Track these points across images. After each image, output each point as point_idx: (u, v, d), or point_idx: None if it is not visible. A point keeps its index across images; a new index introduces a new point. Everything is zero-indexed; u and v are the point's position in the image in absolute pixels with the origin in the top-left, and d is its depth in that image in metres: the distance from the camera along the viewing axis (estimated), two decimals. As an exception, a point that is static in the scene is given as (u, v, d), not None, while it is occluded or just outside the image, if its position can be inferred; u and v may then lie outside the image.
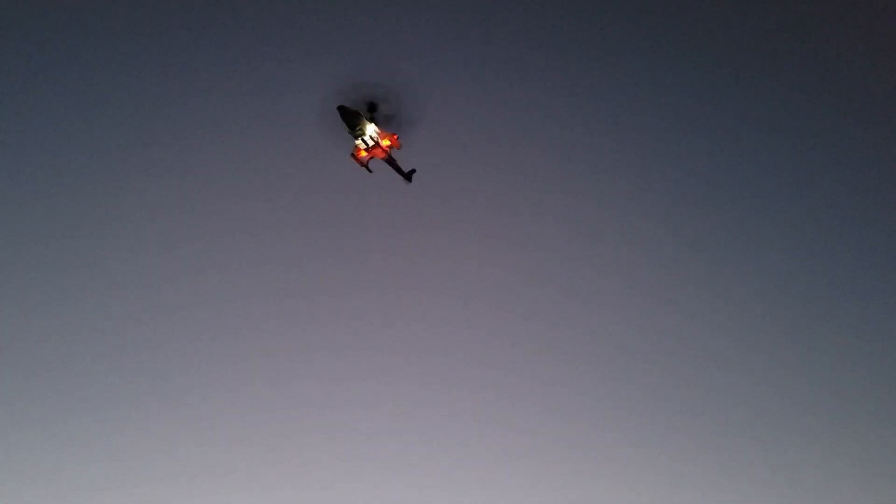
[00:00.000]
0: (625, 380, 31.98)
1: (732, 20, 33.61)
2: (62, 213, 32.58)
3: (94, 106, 32.82)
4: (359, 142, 25.72)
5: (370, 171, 26.58)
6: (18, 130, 32.40)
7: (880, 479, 29.78)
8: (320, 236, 33.18)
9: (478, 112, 32.70)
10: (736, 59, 33.86)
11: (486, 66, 32.68)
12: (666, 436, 31.13)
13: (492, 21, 33.54)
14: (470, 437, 31.65)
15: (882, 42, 33.57)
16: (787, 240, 33.79)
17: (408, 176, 27.55)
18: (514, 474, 31.30)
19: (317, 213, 32.79)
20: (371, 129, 25.74)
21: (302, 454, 31.72)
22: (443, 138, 30.14)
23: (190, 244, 32.84)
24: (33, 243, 32.42)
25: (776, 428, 30.96)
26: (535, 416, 32.28)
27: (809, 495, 30.19)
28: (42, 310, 32.45)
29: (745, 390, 32.05)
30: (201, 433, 31.54)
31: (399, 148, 26.31)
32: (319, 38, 32.22)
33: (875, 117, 33.53)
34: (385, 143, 25.85)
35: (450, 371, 32.40)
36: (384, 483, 31.23)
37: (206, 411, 31.79)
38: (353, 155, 26.25)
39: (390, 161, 26.82)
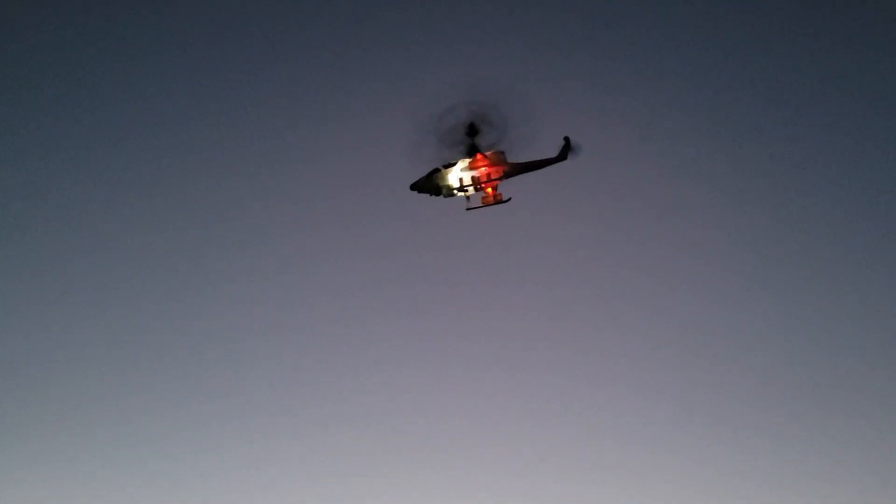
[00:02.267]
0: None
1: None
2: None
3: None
4: (464, 188, 24.52)
5: (509, 200, 24.94)
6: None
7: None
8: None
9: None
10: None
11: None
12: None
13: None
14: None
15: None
16: (788, 240, 34.56)
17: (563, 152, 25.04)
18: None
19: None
20: (459, 171, 24.39)
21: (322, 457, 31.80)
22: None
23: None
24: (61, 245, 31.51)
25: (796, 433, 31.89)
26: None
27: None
28: (47, 310, 31.87)
29: (764, 396, 33.04)
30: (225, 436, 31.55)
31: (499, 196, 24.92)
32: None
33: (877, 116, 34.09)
34: (479, 170, 24.49)
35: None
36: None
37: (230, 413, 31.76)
38: (482, 201, 24.83)
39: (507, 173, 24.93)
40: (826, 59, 35.56)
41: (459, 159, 24.35)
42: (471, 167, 24.59)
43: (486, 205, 25.16)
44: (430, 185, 24.46)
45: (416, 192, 24.73)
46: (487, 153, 24.62)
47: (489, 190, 25.11)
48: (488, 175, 24.61)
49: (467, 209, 25.34)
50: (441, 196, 24.91)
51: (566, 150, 24.84)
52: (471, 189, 24.87)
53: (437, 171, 24.49)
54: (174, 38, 34.33)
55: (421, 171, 24.35)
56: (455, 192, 24.98)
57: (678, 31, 35.36)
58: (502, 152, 24.46)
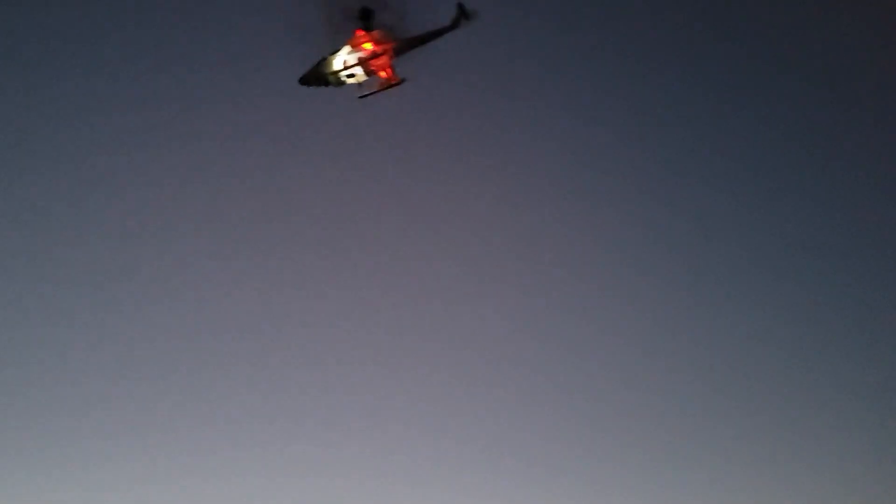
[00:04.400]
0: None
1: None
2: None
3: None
4: (353, 74, 23.05)
5: (402, 80, 23.39)
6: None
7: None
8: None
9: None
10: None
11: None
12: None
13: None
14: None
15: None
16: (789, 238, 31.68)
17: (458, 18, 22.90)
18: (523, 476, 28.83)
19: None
20: (344, 54, 23.00)
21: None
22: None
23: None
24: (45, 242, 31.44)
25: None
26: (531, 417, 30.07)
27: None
28: (43, 310, 31.30)
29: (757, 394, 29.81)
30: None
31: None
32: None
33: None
34: (368, 46, 22.71)
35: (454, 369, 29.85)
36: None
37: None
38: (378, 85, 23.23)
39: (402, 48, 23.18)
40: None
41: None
42: (353, 47, 23.05)
43: (382, 88, 23.41)
44: (318, 74, 23.02)
45: (306, 86, 23.41)
46: (370, 31, 23.02)
47: (382, 73, 23.38)
48: (374, 53, 22.95)
49: (359, 97, 23.61)
50: (333, 86, 23.43)
51: (459, 18, 23.00)
52: (360, 73, 23.19)
53: (323, 59, 23.16)
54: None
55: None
56: (344, 78, 23.41)
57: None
58: (388, 27, 22.86)
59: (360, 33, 22.60)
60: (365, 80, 23.24)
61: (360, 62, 22.87)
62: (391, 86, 23.09)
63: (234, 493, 28.72)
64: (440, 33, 22.80)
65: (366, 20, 22.57)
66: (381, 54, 22.80)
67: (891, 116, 32.38)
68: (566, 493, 28.28)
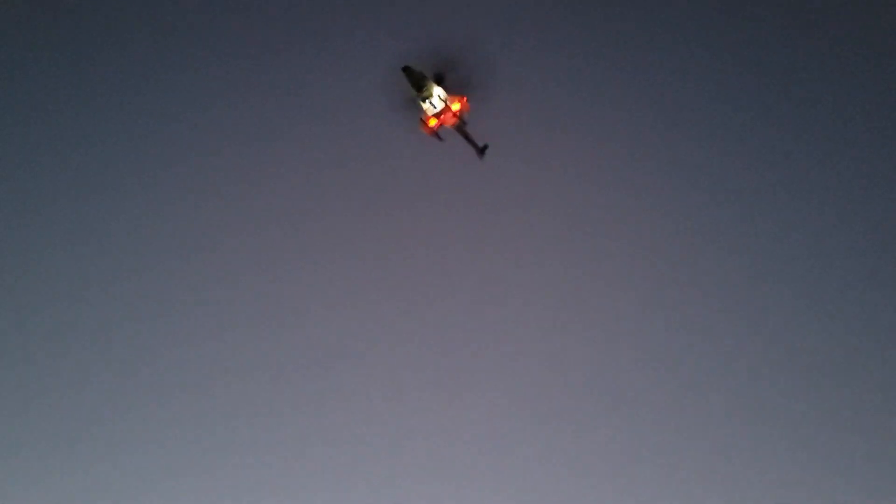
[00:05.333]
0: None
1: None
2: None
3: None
4: (426, 106, 24.01)
5: (441, 140, 24.87)
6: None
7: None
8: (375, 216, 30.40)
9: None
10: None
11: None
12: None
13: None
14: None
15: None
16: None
17: (481, 150, 25.59)
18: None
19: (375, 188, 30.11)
20: (438, 91, 23.86)
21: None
22: (519, 109, 27.32)
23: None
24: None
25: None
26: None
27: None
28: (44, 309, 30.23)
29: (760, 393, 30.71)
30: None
31: (469, 111, 24.52)
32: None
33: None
34: (455, 106, 24.17)
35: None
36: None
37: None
38: (421, 121, 24.42)
39: (461, 129, 25.03)
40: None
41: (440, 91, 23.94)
42: (448, 99, 23.86)
43: (429, 132, 24.67)
44: (418, 81, 23.66)
45: (404, 74, 23.95)
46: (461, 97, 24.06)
47: (432, 120, 24.43)
48: (460, 110, 23.97)
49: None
50: (413, 97, 24.11)
51: (484, 149, 25.34)
52: (431, 108, 23.93)
53: (426, 77, 23.70)
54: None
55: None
56: (427, 101, 23.97)
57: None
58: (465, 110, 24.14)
59: (454, 99, 23.85)
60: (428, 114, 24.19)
61: (444, 104, 23.54)
62: (474, 145, 24.76)
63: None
64: (473, 144, 24.93)
65: (439, 82, 23.66)
66: (453, 113, 23.66)
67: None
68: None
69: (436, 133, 24.44)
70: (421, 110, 24.23)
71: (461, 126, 24.67)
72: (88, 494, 28.43)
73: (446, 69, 24.60)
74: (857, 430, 29.77)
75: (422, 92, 23.77)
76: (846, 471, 28.97)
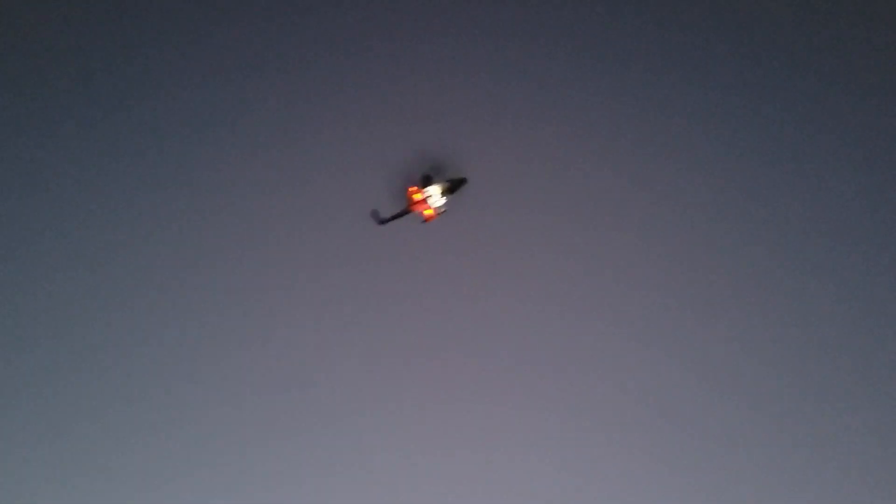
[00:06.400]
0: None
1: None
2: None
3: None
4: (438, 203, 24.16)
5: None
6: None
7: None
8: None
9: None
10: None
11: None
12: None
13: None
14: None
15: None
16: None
17: (383, 220, 25.19)
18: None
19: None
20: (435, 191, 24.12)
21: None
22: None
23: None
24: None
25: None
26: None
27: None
28: (46, 309, 31.92)
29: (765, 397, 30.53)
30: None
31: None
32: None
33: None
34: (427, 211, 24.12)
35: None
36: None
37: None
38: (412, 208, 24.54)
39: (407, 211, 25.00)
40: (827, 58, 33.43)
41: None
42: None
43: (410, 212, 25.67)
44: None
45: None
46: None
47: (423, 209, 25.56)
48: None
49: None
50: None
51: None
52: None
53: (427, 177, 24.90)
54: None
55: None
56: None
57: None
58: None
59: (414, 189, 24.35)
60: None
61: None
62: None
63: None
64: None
65: (425, 184, 24.54)
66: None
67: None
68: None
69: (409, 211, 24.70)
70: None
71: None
72: (88, 494, 29.65)
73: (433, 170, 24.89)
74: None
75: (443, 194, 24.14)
76: (872, 477, 28.75)
